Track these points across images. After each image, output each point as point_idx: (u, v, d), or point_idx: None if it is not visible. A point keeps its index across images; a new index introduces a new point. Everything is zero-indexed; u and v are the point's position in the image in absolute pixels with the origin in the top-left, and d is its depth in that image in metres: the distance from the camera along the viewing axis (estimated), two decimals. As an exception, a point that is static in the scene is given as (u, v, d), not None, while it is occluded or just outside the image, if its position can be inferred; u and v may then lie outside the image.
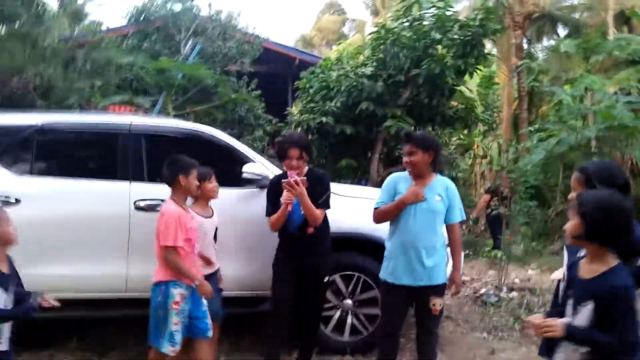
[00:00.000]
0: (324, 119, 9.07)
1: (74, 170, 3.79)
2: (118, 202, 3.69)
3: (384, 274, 3.16)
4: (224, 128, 9.14)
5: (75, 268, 3.59)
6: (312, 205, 3.16)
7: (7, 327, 2.25)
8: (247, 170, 3.67)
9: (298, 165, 3.23)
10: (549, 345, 2.34)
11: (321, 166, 10.07)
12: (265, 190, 3.46)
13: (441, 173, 10.36)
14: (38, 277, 3.45)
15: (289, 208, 3.13)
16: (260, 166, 3.78)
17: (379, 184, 10.39)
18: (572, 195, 2.23)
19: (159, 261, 2.99)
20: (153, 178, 3.81)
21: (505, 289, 5.64)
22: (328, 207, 3.30)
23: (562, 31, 18.18)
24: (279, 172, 3.76)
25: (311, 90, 9.85)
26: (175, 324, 2.90)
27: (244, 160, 3.83)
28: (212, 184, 3.37)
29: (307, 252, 3.26)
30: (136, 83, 8.03)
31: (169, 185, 3.08)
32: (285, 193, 3.13)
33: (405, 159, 3.10)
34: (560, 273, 2.36)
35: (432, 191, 3.07)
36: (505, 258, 5.89)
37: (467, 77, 9.93)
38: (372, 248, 3.77)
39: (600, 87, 9.75)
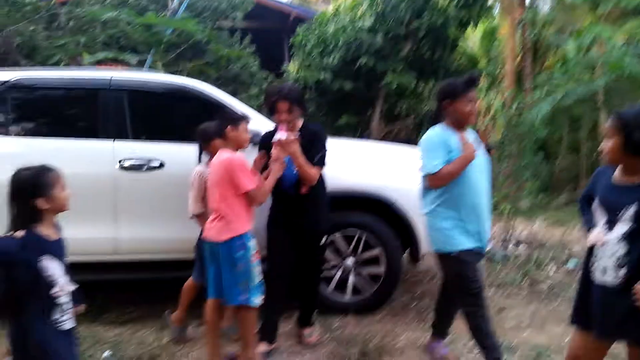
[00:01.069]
0: (321, 76, 8.75)
1: (53, 130, 3.53)
2: (101, 162, 3.45)
3: (465, 241, 2.68)
4: (217, 86, 8.82)
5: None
6: (307, 163, 2.94)
7: (68, 300, 2.05)
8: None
9: (288, 119, 2.98)
10: (581, 313, 2.16)
11: (321, 124, 9.79)
12: (259, 141, 3.22)
13: None
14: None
15: (279, 170, 2.89)
16: (253, 123, 3.51)
17: (380, 141, 10.19)
18: (605, 143, 2.08)
19: (227, 215, 2.77)
20: (138, 136, 3.57)
21: (512, 244, 5.47)
22: (324, 165, 3.07)
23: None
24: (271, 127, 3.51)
25: (308, 46, 9.49)
26: (259, 274, 2.83)
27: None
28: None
29: (302, 211, 3.05)
30: (123, 40, 7.63)
31: (220, 137, 2.92)
32: (273, 150, 2.89)
33: (468, 107, 2.70)
34: (601, 235, 2.09)
35: (475, 144, 2.78)
36: (512, 212, 5.69)
37: (469, 29, 9.54)
38: (374, 206, 3.56)
39: (610, 37, 9.34)
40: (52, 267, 1.97)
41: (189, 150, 3.29)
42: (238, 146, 2.92)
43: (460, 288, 2.74)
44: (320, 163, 3.04)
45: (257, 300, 2.79)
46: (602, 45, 10.04)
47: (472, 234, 2.71)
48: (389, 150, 3.95)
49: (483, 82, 15.37)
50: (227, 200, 2.77)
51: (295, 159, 2.90)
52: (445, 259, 2.75)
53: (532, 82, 14.80)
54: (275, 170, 2.87)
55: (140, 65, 7.44)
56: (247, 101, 9.17)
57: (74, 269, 2.06)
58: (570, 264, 4.78)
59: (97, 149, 3.49)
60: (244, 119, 2.94)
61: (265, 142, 3.08)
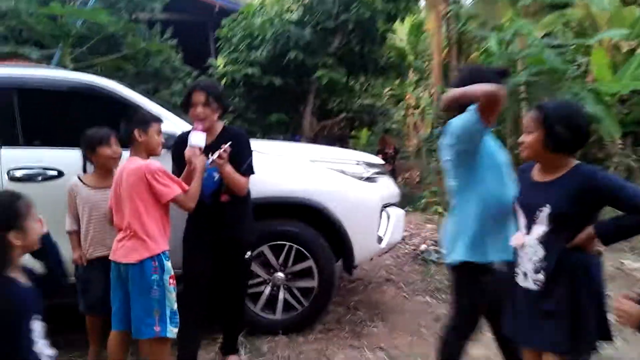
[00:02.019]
0: (249, 70, 8.39)
1: None
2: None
3: (498, 253, 2.14)
4: (137, 82, 8.21)
5: None
6: (235, 172, 2.62)
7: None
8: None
9: (205, 115, 2.65)
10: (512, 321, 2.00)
11: (249, 121, 9.41)
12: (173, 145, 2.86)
13: (374, 124, 9.93)
14: None
15: (202, 168, 2.56)
16: (167, 123, 3.13)
17: (313, 139, 9.98)
18: (524, 137, 1.95)
19: (140, 233, 2.40)
20: (30, 141, 3.09)
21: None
22: (252, 172, 2.77)
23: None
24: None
25: (234, 40, 9.07)
26: (175, 301, 2.46)
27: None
28: (110, 149, 2.74)
29: (223, 222, 2.73)
30: (26, 33, 6.87)
31: (127, 143, 2.55)
32: (187, 151, 2.56)
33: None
34: (520, 237, 1.96)
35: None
36: (441, 210, 5.64)
37: (397, 23, 9.50)
38: (303, 213, 3.29)
39: (529, 32, 9.62)
40: (36, 329, 1.59)
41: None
42: (149, 152, 2.56)
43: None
44: (249, 171, 2.73)
45: (173, 330, 2.45)
46: (523, 40, 10.35)
47: (504, 246, 2.18)
48: (317, 152, 3.68)
49: (412, 77, 15.61)
50: (140, 215, 2.40)
51: (222, 168, 2.58)
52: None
53: (458, 76, 15.19)
54: (199, 169, 2.54)
55: (47, 60, 6.74)
56: (169, 98, 8.66)
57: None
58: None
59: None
60: (154, 120, 2.58)
61: (179, 146, 2.72)
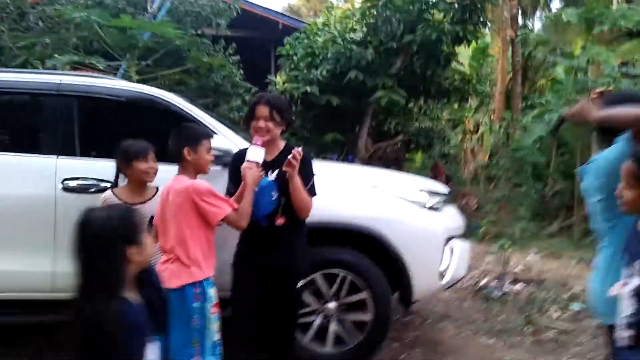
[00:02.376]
0: (308, 88, 8.30)
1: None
2: (41, 181, 2.92)
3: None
4: (198, 96, 8.31)
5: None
6: (304, 188, 2.48)
7: None
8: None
9: (267, 129, 2.51)
10: None
11: (305, 140, 9.31)
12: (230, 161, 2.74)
13: (430, 148, 9.58)
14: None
15: (253, 182, 2.41)
16: (222, 139, 3.01)
17: (367, 161, 9.76)
18: (624, 191, 1.72)
19: (184, 257, 2.30)
20: (87, 152, 3.05)
21: (508, 280, 5.02)
22: (315, 194, 2.58)
23: (556, 3, 17.38)
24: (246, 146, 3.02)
25: (295, 58, 9.06)
26: (218, 332, 2.32)
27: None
28: (147, 164, 2.64)
29: (276, 247, 2.55)
30: (97, 44, 7.10)
31: (175, 161, 2.45)
32: (244, 164, 2.42)
33: None
34: (617, 288, 1.69)
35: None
36: (508, 244, 5.24)
37: (461, 47, 9.20)
38: (359, 241, 3.07)
39: (606, 60, 9.06)
40: (151, 353, 1.55)
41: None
42: (198, 171, 2.44)
43: None
44: (312, 192, 2.58)
45: None
46: (598, 67, 9.78)
47: None
48: (377, 176, 3.46)
49: (472, 101, 15.14)
50: (185, 239, 2.27)
51: (291, 178, 2.42)
52: None
53: (521, 103, 14.61)
54: (251, 182, 2.37)
55: (114, 71, 6.92)
56: (228, 114, 8.72)
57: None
58: (575, 307, 4.33)
59: (36, 166, 2.96)
60: (204, 137, 2.46)
61: (236, 162, 2.58)
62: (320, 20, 9.77)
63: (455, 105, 14.12)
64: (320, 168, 3.13)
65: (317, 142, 9.18)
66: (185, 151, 2.37)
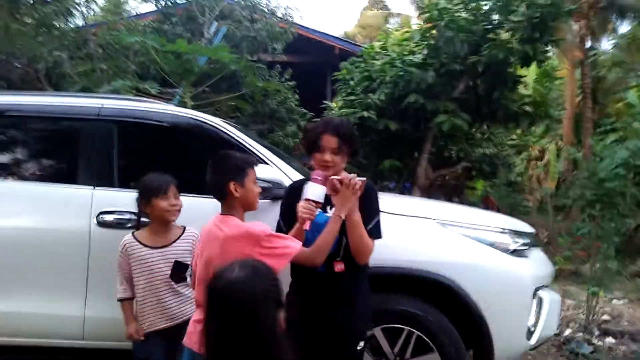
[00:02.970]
0: (365, 113, 7.94)
1: (18, 170, 2.82)
2: (75, 214, 2.69)
3: None
4: (252, 122, 8.15)
5: (13, 304, 2.61)
6: (364, 230, 2.08)
7: None
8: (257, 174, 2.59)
9: (333, 164, 2.13)
10: None
11: (361, 167, 8.92)
12: (283, 194, 2.38)
13: (495, 174, 8.86)
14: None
15: (307, 227, 2.02)
16: (272, 169, 2.68)
17: (427, 189, 9.22)
18: None
19: None
20: (125, 183, 2.79)
21: (596, 332, 4.34)
22: (379, 236, 2.17)
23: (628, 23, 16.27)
24: (299, 177, 2.67)
25: (352, 82, 8.77)
26: None
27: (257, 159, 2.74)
28: (167, 201, 2.33)
29: (334, 299, 2.15)
30: (153, 70, 7.09)
31: (219, 199, 2.07)
32: (302, 202, 2.03)
33: None
34: None
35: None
36: (596, 289, 4.56)
37: (523, 70, 8.60)
38: (430, 291, 2.61)
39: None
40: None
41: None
42: (247, 207, 2.07)
43: None
44: (376, 233, 2.16)
45: None
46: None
47: None
48: (450, 213, 2.98)
49: (537, 127, 14.27)
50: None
51: (350, 216, 2.03)
52: None
53: (592, 128, 13.60)
54: (333, 227, 2.02)
55: (169, 97, 6.87)
56: (283, 140, 8.49)
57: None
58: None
59: (70, 198, 2.73)
60: (250, 165, 2.09)
61: (290, 197, 2.22)
62: (377, 44, 9.45)
63: (519, 131, 13.36)
64: (381, 202, 2.73)
65: (374, 169, 8.76)
66: (232, 186, 2.00)
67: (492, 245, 2.68)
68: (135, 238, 2.38)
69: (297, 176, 2.72)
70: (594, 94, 14.63)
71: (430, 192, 9.34)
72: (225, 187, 2.00)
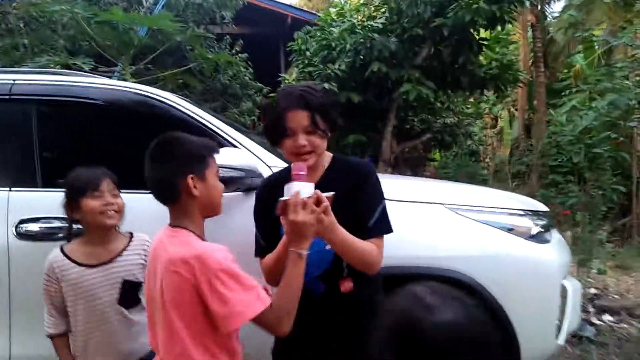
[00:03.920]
0: (326, 85, 7.39)
1: None
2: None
3: None
4: (203, 100, 7.45)
5: None
6: (355, 240, 1.51)
7: None
8: (221, 160, 2.01)
9: (313, 146, 1.56)
10: None
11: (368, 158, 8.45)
12: (255, 196, 1.79)
13: (456, 144, 8.48)
14: None
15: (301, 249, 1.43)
16: (243, 153, 2.12)
17: (392, 164, 8.85)
18: None
19: None
20: (50, 181, 2.16)
21: (590, 308, 4.09)
22: (389, 229, 1.63)
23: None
24: (278, 164, 2.14)
25: (308, 53, 8.18)
26: None
27: (217, 144, 2.16)
28: (101, 199, 1.74)
29: (343, 331, 1.61)
30: (86, 45, 6.25)
31: (166, 202, 1.49)
32: (281, 206, 1.43)
33: None
34: None
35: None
36: (601, 268, 4.26)
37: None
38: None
39: (656, 38, 8.10)
40: None
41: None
42: (208, 211, 1.49)
43: None
44: (385, 227, 1.61)
45: None
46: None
47: None
48: (457, 194, 2.52)
49: (490, 94, 14.20)
50: (185, 347, 1.34)
51: (330, 234, 1.46)
52: None
53: (545, 94, 13.63)
54: (296, 241, 1.39)
55: (107, 74, 6.08)
56: (238, 117, 7.85)
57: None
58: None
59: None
60: (210, 151, 1.51)
61: (266, 196, 1.67)
62: (334, 10, 8.87)
63: (471, 99, 13.17)
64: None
65: (337, 145, 8.28)
66: (190, 182, 1.42)
67: (511, 230, 2.26)
68: (65, 255, 1.79)
69: (274, 161, 2.19)
70: (545, 58, 14.63)
71: (397, 167, 9.00)
72: (179, 184, 1.41)
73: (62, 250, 1.80)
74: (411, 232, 2.20)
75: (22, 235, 2.03)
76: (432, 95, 7.67)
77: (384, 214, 1.62)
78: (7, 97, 2.18)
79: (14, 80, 2.23)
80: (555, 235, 2.49)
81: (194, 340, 1.32)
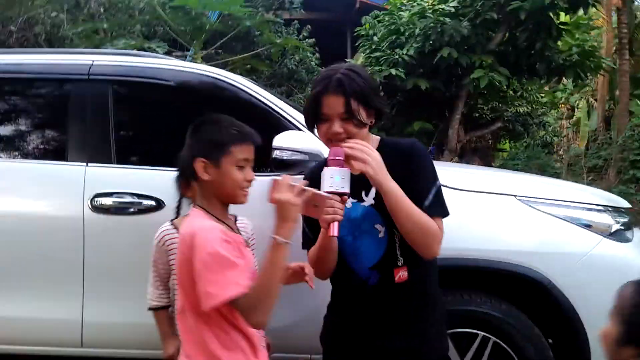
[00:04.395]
0: (392, 71, 7.27)
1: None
2: (64, 198, 2.18)
3: None
4: (269, 85, 7.54)
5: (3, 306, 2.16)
6: (412, 207, 1.42)
7: None
8: (280, 143, 2.00)
9: (349, 134, 1.44)
10: None
11: (386, 130, 8.31)
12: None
13: (528, 134, 8.01)
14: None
15: (335, 232, 1.36)
16: (308, 137, 2.10)
17: (458, 153, 8.60)
18: None
19: (186, 340, 1.41)
20: (125, 157, 2.25)
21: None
22: (445, 212, 1.54)
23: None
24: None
25: (375, 38, 8.06)
26: None
27: (283, 127, 2.18)
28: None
29: (397, 323, 1.55)
30: (161, 29, 6.50)
31: (184, 179, 1.65)
32: (275, 194, 1.34)
33: None
34: None
35: None
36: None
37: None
38: (506, 286, 2.09)
39: None
40: None
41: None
42: (224, 198, 1.46)
43: None
44: (439, 209, 1.51)
45: None
46: None
47: None
48: (530, 186, 2.37)
49: (567, 82, 13.39)
50: (187, 309, 1.38)
51: (385, 184, 1.39)
52: None
53: (629, 83, 12.68)
54: (275, 257, 1.32)
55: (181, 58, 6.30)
56: (303, 104, 7.90)
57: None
58: None
59: (58, 177, 2.22)
60: (234, 140, 1.44)
61: (312, 183, 1.49)
62: (403, -6, 8.66)
63: (547, 87, 12.47)
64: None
65: (401, 132, 8.15)
66: (200, 165, 1.42)
67: (589, 227, 2.11)
68: (176, 228, 1.83)
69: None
70: (630, 45, 13.59)
71: (463, 156, 8.73)
72: (192, 165, 1.41)
73: (172, 223, 1.86)
74: (479, 225, 2.11)
75: (97, 209, 2.13)
76: (504, 82, 7.36)
77: (438, 195, 1.52)
78: (86, 77, 2.29)
79: (93, 61, 2.34)
80: (637, 234, 2.31)
81: (198, 317, 1.35)
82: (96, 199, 2.13)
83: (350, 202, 1.50)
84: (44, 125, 2.42)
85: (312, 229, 1.59)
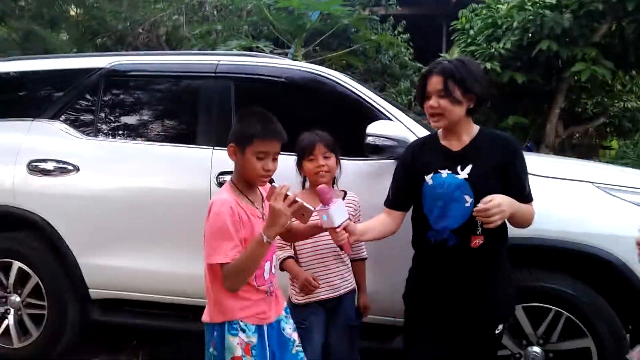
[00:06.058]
0: (488, 65, 7.23)
1: (142, 132, 2.86)
2: (195, 175, 2.65)
3: None
4: (364, 80, 7.85)
5: (142, 261, 2.69)
6: (520, 204, 1.78)
7: None
8: (373, 131, 2.33)
9: (442, 109, 1.81)
10: None
11: (479, 124, 8.24)
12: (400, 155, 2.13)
13: (638, 131, 7.64)
14: (95, 269, 2.67)
15: (349, 250, 1.92)
16: (397, 125, 2.41)
17: (557, 149, 8.33)
18: None
19: (212, 288, 1.82)
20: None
21: None
22: (531, 198, 1.87)
23: None
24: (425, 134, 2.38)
25: (472, 31, 8.03)
26: None
27: (375, 117, 2.50)
28: (314, 162, 2.20)
29: (470, 282, 1.84)
30: (266, 30, 7.04)
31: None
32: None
33: None
34: None
35: None
36: None
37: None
38: (579, 266, 2.25)
39: None
40: None
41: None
42: (245, 179, 1.77)
43: None
44: (531, 195, 1.87)
45: None
46: None
47: None
48: (606, 174, 2.50)
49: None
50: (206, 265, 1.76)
51: (514, 212, 1.76)
52: None
53: None
54: (255, 251, 1.64)
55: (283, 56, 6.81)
56: (395, 97, 8.09)
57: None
58: None
59: (190, 159, 2.71)
60: (259, 135, 1.70)
61: (409, 155, 1.98)
62: (502, -13, 8.52)
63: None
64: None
65: (496, 126, 8.08)
66: (230, 149, 1.74)
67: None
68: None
69: (424, 133, 2.44)
70: None
71: (562, 152, 8.44)
72: (228, 147, 1.76)
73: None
74: (559, 208, 2.28)
75: (220, 184, 2.58)
76: (609, 75, 7.04)
77: (528, 186, 1.86)
78: (213, 74, 2.76)
79: (219, 60, 2.81)
80: None
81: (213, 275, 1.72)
82: (221, 176, 2.59)
83: (446, 172, 1.82)
84: (178, 115, 2.94)
85: (395, 192, 1.97)
